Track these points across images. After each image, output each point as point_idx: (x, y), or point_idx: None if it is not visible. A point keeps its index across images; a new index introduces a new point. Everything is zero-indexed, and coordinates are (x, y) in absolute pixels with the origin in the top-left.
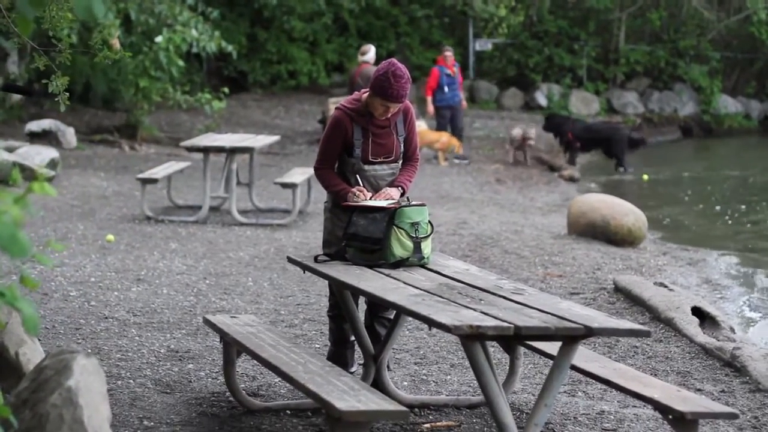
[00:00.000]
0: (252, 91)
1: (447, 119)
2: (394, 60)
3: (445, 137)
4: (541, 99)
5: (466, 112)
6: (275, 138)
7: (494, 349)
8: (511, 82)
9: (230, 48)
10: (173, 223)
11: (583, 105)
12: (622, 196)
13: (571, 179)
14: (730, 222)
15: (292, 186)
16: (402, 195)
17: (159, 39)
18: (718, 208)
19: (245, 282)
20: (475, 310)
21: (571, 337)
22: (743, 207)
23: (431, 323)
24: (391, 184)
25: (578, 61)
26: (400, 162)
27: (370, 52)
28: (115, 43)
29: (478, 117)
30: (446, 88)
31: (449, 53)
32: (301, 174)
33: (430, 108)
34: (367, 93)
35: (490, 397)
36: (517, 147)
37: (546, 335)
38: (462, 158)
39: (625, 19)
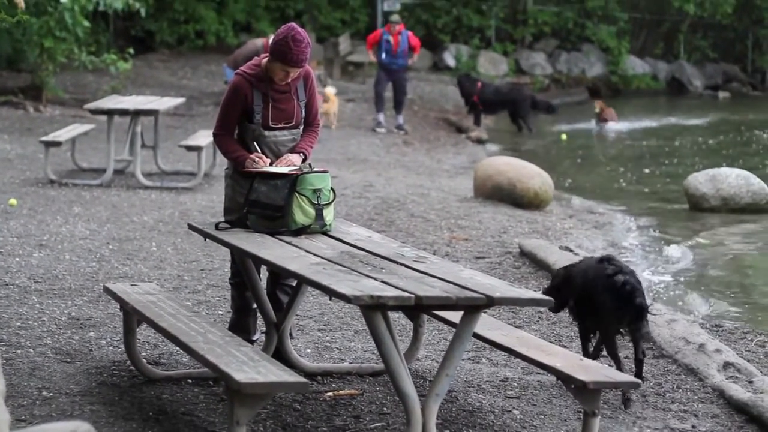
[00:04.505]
0: (159, 52)
1: (383, 82)
2: (293, 24)
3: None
4: (450, 60)
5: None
6: (180, 100)
7: (398, 315)
8: None
9: (138, 5)
10: (77, 186)
11: (492, 66)
12: (528, 159)
13: (479, 141)
14: (630, 184)
15: (197, 149)
16: (304, 161)
17: None
18: (621, 169)
19: (149, 247)
20: (376, 279)
21: (473, 306)
22: (646, 170)
23: (331, 293)
24: (293, 150)
25: (487, 21)
26: (302, 128)
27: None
28: (20, 1)
29: None
30: (383, 54)
31: (394, 22)
32: (206, 136)
33: (372, 58)
34: (267, 58)
35: (391, 366)
36: None
37: (447, 305)
38: (400, 128)
39: None
